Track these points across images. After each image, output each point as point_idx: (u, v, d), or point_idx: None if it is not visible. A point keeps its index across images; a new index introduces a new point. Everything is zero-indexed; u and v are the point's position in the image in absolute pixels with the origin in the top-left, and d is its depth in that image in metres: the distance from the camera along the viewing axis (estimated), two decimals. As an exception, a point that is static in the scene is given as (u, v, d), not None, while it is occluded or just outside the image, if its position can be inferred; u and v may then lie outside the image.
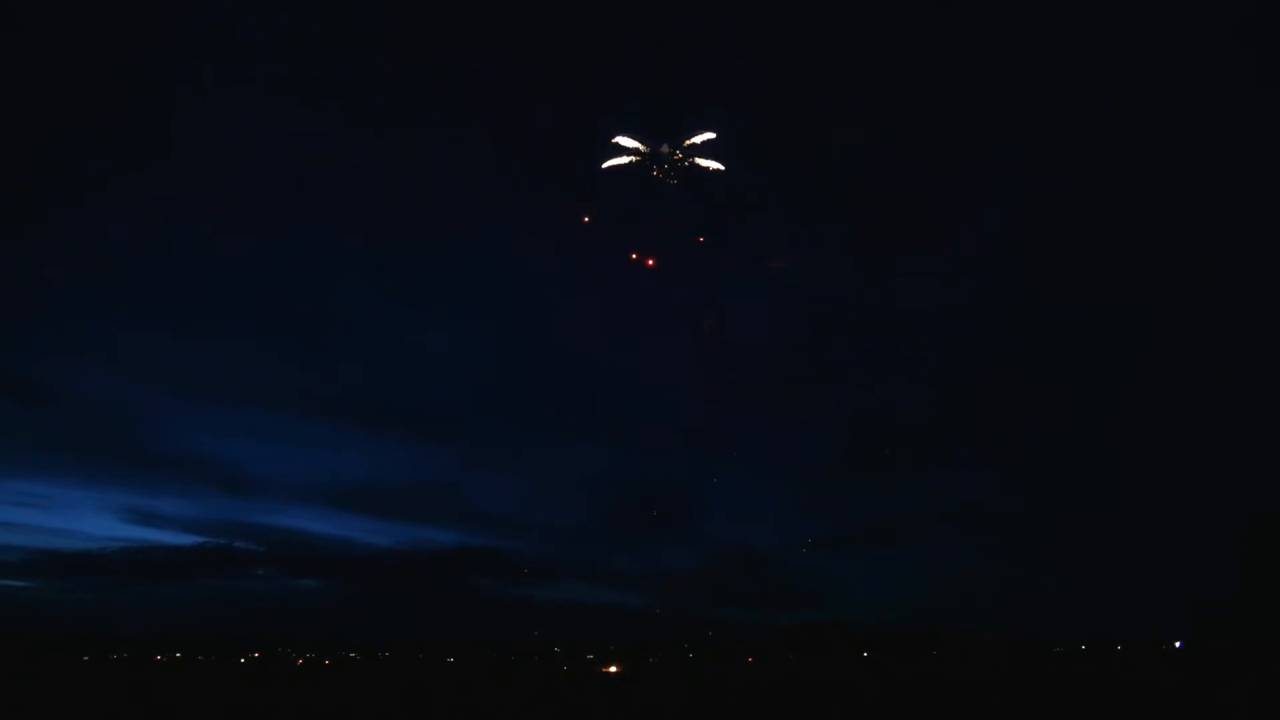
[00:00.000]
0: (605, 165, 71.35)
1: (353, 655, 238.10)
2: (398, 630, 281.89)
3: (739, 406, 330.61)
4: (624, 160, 71.13)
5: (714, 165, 71.40)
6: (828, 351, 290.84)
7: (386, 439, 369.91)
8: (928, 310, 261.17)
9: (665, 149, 71.12)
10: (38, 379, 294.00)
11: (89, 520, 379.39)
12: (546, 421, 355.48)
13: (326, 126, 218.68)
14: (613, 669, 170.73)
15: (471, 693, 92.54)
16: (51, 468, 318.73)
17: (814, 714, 61.28)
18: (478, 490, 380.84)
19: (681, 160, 71.37)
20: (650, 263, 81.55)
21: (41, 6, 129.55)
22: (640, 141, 70.94)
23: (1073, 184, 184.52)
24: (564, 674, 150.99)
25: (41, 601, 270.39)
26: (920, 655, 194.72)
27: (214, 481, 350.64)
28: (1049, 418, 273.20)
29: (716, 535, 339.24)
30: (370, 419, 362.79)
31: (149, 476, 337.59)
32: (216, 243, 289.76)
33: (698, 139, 71.26)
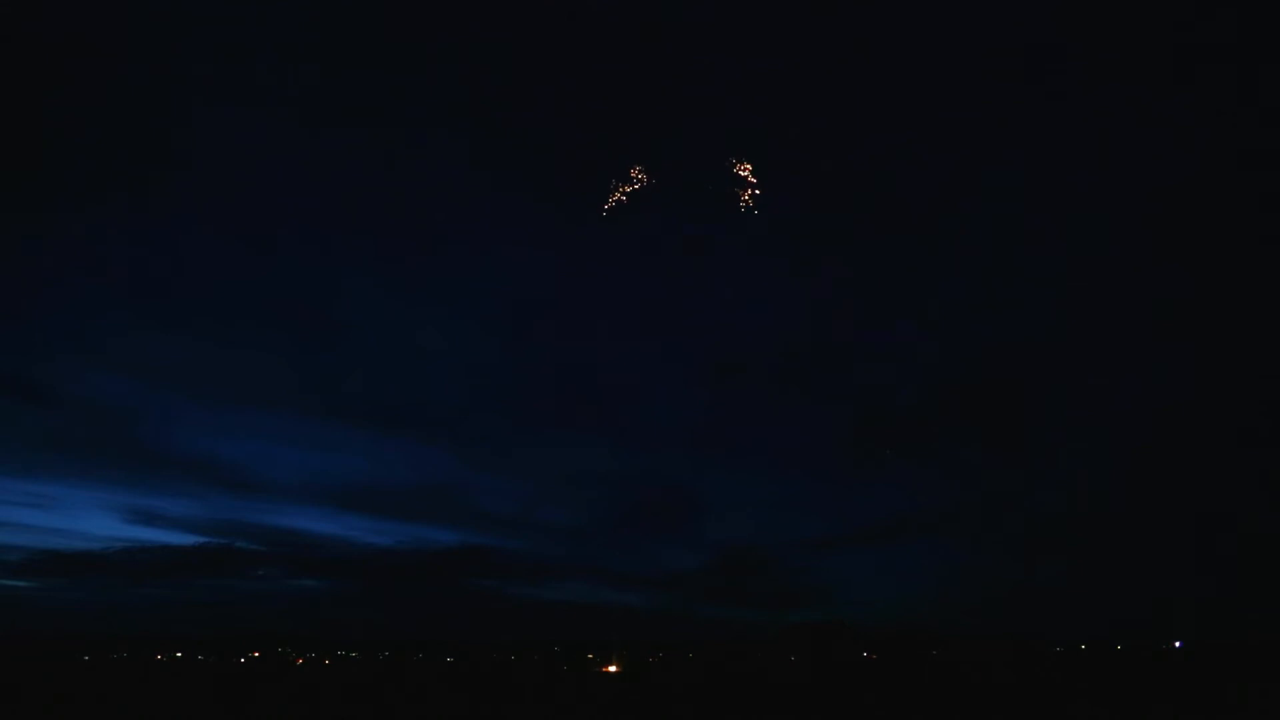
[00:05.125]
0: (609, 203, 68.70)
1: (353, 655, 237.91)
2: (398, 630, 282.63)
3: (740, 407, 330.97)
4: (629, 189, 68.37)
5: (745, 199, 68.71)
6: (828, 350, 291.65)
7: (387, 440, 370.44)
8: (929, 310, 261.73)
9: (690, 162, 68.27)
10: (41, 380, 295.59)
11: (91, 520, 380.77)
12: (547, 422, 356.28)
13: (328, 132, 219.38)
14: (613, 669, 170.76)
15: (471, 693, 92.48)
16: (54, 468, 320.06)
17: (815, 714, 61.27)
18: (478, 490, 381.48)
19: (709, 187, 68.92)
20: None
21: (46, 13, 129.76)
22: (648, 173, 68.46)
23: (1074, 184, 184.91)
24: (564, 674, 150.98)
25: (43, 601, 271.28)
26: (921, 654, 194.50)
27: (215, 482, 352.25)
28: (1049, 417, 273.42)
29: (716, 535, 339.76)
30: (372, 420, 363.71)
31: (151, 477, 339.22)
32: (218, 246, 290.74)
33: (738, 170, 68.29)
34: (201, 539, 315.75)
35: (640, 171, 68.60)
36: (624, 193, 68.79)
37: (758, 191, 68.50)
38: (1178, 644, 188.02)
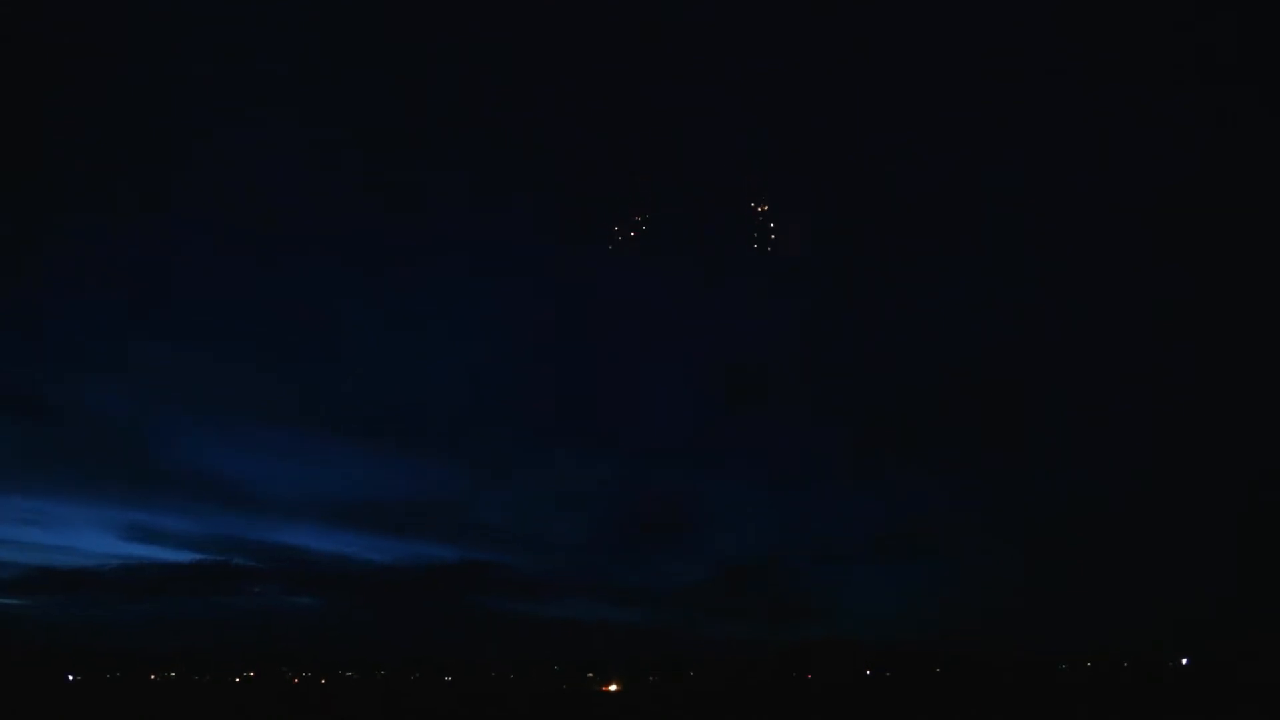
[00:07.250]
0: (614, 238, 66.72)
1: (350, 673, 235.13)
2: (396, 648, 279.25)
3: (742, 420, 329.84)
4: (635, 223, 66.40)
5: (758, 235, 66.74)
6: (828, 354, 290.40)
7: (386, 455, 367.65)
8: (929, 310, 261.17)
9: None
10: (36, 394, 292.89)
11: (87, 537, 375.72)
12: (548, 436, 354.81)
13: (327, 146, 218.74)
14: (613, 687, 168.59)
15: (470, 712, 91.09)
16: (50, 484, 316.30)
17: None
18: (479, 506, 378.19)
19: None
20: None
21: (45, 13, 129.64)
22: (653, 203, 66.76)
23: (1074, 184, 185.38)
24: (563, 693, 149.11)
25: (38, 619, 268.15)
26: (925, 671, 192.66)
27: (212, 498, 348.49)
28: (1049, 417, 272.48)
29: (719, 550, 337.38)
30: (370, 435, 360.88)
31: (148, 493, 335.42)
32: (217, 258, 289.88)
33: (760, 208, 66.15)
34: (198, 555, 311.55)
35: (646, 205, 66.98)
36: (630, 225, 67.24)
37: (772, 232, 66.85)
38: (1185, 661, 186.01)
